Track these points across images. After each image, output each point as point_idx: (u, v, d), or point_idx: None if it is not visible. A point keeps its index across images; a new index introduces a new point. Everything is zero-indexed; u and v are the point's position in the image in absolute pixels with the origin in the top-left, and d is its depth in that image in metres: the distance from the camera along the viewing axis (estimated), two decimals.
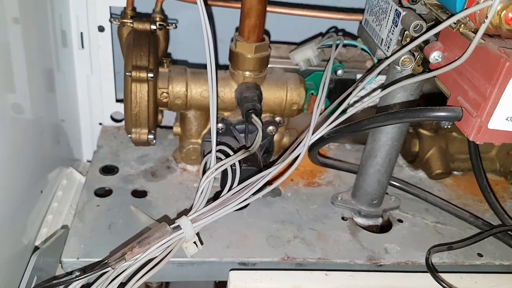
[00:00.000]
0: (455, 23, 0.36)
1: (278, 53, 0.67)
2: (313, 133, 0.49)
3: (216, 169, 0.49)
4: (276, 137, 0.65)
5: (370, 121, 0.45)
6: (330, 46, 0.61)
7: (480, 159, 0.54)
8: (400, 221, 0.61)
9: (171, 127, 0.66)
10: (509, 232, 0.56)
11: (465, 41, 0.37)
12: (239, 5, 0.56)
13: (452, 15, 0.36)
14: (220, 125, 0.60)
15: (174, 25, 0.62)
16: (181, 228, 0.45)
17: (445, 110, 0.38)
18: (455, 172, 0.70)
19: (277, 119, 0.64)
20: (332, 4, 0.65)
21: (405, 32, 0.43)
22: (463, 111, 0.38)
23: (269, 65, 0.64)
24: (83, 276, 0.43)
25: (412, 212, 0.63)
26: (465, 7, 0.35)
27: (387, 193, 0.63)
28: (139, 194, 0.60)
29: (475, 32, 0.35)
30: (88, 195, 0.58)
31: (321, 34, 0.66)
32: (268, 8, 0.60)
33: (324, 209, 0.62)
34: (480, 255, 0.56)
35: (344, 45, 0.62)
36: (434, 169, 0.67)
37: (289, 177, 0.66)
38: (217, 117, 0.61)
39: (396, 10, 0.43)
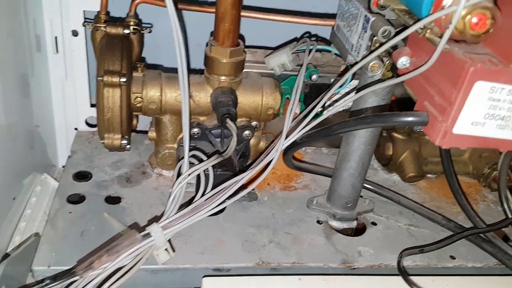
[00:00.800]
0: (421, 29, 0.37)
1: (254, 57, 0.67)
2: (286, 138, 0.50)
3: (188, 175, 0.48)
4: (252, 141, 0.65)
5: (340, 126, 0.45)
6: (305, 51, 0.62)
7: (451, 162, 0.55)
8: (374, 224, 0.62)
9: (147, 132, 0.66)
10: (481, 235, 0.57)
11: (431, 46, 0.37)
12: (214, 10, 0.56)
13: (419, 20, 0.37)
14: (195, 129, 0.60)
15: (148, 29, 0.61)
16: (151, 236, 0.44)
17: (412, 115, 0.39)
18: (428, 175, 0.71)
19: (253, 123, 0.64)
20: (307, 10, 0.66)
21: (374, 38, 0.44)
22: (429, 116, 0.38)
23: (245, 70, 0.64)
24: (53, 284, 0.42)
25: (386, 215, 0.64)
26: (431, 13, 0.36)
27: (361, 196, 0.64)
28: (113, 200, 0.59)
29: (441, 37, 0.35)
30: (60, 202, 0.57)
31: (296, 39, 0.67)
32: (243, 13, 0.61)
33: (300, 213, 0.62)
34: (452, 257, 0.57)
35: (319, 50, 0.63)
36: (408, 172, 0.68)
37: (265, 181, 0.67)
38: (192, 122, 0.61)
39: (366, 16, 0.44)
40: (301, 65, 0.60)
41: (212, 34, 0.58)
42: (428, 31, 0.37)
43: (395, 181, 0.71)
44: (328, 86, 0.64)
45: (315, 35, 0.69)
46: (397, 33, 0.42)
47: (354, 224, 0.62)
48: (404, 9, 0.41)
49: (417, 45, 0.41)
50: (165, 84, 0.59)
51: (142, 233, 0.44)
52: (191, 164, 0.53)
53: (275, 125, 0.69)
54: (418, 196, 0.68)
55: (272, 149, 0.49)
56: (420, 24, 0.36)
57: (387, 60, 0.44)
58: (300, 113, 0.65)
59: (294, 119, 0.62)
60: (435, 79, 0.38)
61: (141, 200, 0.60)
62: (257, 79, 0.63)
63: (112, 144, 0.57)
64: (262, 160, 0.49)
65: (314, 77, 0.64)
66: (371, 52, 0.43)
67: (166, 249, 0.46)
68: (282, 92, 0.63)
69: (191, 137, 0.60)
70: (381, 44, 0.43)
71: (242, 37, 0.71)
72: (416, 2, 0.37)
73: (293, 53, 0.62)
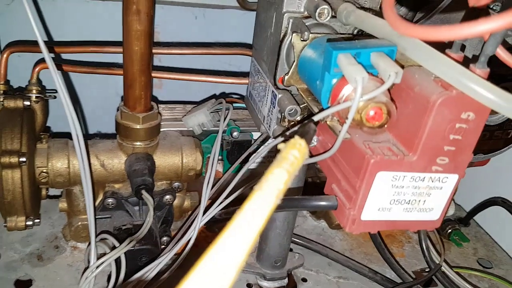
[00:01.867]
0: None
1: (173, 114, 0.64)
2: (204, 213, 0.48)
3: (97, 267, 0.45)
4: (176, 202, 0.62)
5: None
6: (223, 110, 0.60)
7: None
8: (304, 280, 0.61)
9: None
10: None
11: None
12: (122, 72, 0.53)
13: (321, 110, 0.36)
14: (110, 200, 0.56)
15: (53, 95, 0.57)
16: None
17: (322, 200, 0.38)
18: None
19: (175, 184, 0.61)
20: (223, 68, 0.65)
21: (283, 114, 0.43)
22: (338, 201, 0.38)
23: (163, 129, 0.61)
24: None
25: (316, 268, 0.63)
26: (329, 103, 0.35)
27: (291, 250, 0.63)
28: (22, 284, 0.54)
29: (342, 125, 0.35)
30: None
31: (215, 96, 0.65)
32: (155, 74, 0.58)
33: None
34: None
35: (237, 108, 0.61)
36: (334, 219, 0.68)
37: (194, 244, 0.64)
38: (106, 191, 0.58)
39: (273, 91, 0.43)
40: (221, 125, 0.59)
41: (122, 98, 0.55)
42: (329, 118, 0.36)
43: (323, 228, 0.71)
44: (250, 142, 0.63)
45: (232, 94, 0.68)
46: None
47: (285, 282, 0.61)
48: (307, 89, 0.41)
49: (323, 125, 0.40)
50: (73, 154, 0.55)
51: None
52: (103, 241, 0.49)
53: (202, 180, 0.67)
54: (346, 243, 0.68)
55: (188, 227, 0.47)
56: (317, 118, 0.35)
57: None
58: (225, 171, 0.64)
59: (218, 179, 0.60)
60: (341, 165, 0.37)
61: (53, 281, 0.55)
62: (176, 140, 0.61)
63: (15, 227, 0.52)
64: (179, 240, 0.47)
65: (235, 134, 0.62)
66: (286, 130, 0.42)
67: None
68: (203, 151, 0.61)
69: (106, 208, 0.57)
70: (289, 122, 0.42)
71: (155, 99, 0.69)
72: (316, 90, 0.37)
73: (211, 112, 0.61)
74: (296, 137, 0.29)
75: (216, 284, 0.21)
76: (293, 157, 0.29)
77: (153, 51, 0.53)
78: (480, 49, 0.32)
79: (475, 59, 0.32)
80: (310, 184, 0.69)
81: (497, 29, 0.25)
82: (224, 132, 0.62)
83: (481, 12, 0.33)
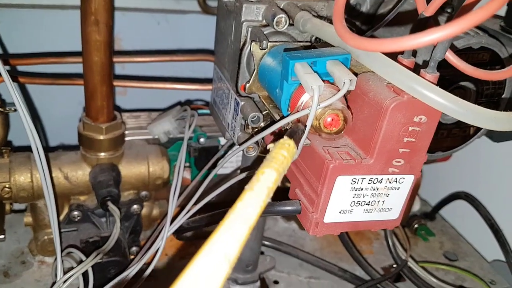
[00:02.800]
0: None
1: (138, 123, 0.64)
2: (172, 222, 0.48)
3: (64, 282, 0.44)
4: (145, 211, 0.62)
5: (224, 213, 0.44)
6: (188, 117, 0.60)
7: None
8: (276, 282, 0.62)
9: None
10: (378, 286, 0.59)
11: None
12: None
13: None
14: (75, 213, 0.55)
15: (13, 109, 0.56)
16: None
17: (286, 205, 0.39)
18: None
19: (143, 193, 0.61)
20: (187, 75, 0.65)
21: (246, 121, 0.43)
22: (301, 205, 0.38)
23: (128, 138, 0.61)
24: None
25: (287, 270, 0.64)
26: (289, 110, 0.36)
27: (262, 253, 0.63)
28: None
29: None
30: None
31: (180, 103, 0.65)
32: (118, 83, 0.58)
33: None
34: None
35: (202, 114, 0.61)
36: None
37: (163, 253, 0.64)
38: (71, 204, 0.57)
39: (236, 99, 0.43)
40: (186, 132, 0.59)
41: (84, 109, 0.55)
42: (290, 124, 0.37)
43: (294, 229, 0.72)
44: (217, 148, 0.63)
45: (197, 100, 0.68)
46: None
47: (257, 285, 0.62)
48: (268, 96, 0.41)
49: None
50: (35, 167, 0.54)
51: None
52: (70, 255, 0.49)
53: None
54: (316, 243, 0.70)
55: (157, 237, 0.47)
56: (276, 126, 0.36)
57: (261, 142, 0.44)
58: (193, 178, 0.64)
59: (186, 187, 0.60)
60: (303, 169, 0.38)
61: None
62: (141, 149, 0.60)
63: None
64: (148, 250, 0.47)
65: (202, 140, 0.62)
66: (250, 136, 0.42)
67: None
68: (170, 159, 0.61)
69: (72, 221, 0.56)
70: (253, 129, 0.42)
71: (118, 108, 0.68)
72: (276, 98, 0.37)
73: (177, 119, 0.61)
74: (285, 138, 0.30)
75: (211, 280, 0.21)
76: (282, 156, 0.30)
77: (115, 60, 0.53)
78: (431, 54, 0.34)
79: (425, 64, 0.34)
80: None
81: (441, 39, 0.26)
82: (190, 139, 0.62)
83: (429, 21, 0.34)
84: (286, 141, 0.31)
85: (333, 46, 0.36)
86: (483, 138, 0.53)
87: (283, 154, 0.30)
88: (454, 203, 0.75)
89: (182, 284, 0.21)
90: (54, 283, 0.45)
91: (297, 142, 0.33)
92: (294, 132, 0.35)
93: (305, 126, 0.34)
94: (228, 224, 0.25)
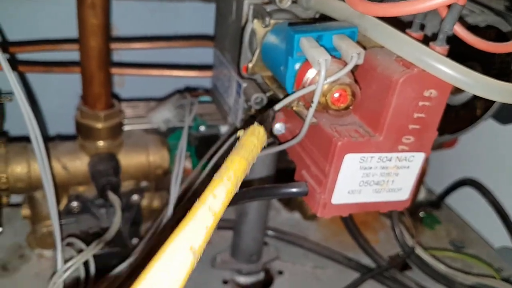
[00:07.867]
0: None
1: (136, 112, 0.63)
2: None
3: (64, 272, 0.43)
4: (145, 202, 0.61)
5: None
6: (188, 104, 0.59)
7: None
8: (280, 272, 0.61)
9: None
10: (384, 274, 0.58)
11: None
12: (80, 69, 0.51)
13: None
14: (74, 204, 0.54)
15: (9, 98, 0.54)
16: None
17: (292, 187, 0.38)
18: None
19: (143, 184, 0.59)
20: (185, 62, 0.63)
21: (249, 103, 0.42)
22: (308, 187, 0.37)
23: (127, 128, 0.59)
24: None
25: (292, 259, 0.63)
26: (294, 87, 0.35)
27: (266, 243, 0.62)
28: None
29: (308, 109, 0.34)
30: None
31: (179, 91, 0.64)
32: (115, 70, 0.56)
33: (204, 275, 0.58)
34: None
35: (202, 102, 0.60)
36: (308, 210, 0.68)
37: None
38: (70, 195, 0.55)
39: (238, 81, 0.42)
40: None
41: (82, 97, 0.53)
42: (296, 103, 0.35)
43: (297, 219, 0.71)
44: (217, 137, 0.62)
45: (196, 88, 0.67)
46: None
47: (261, 276, 0.61)
48: (272, 76, 0.40)
49: (289, 112, 0.40)
50: (32, 157, 0.52)
51: None
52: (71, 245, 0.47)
53: None
54: (320, 233, 0.68)
55: (157, 227, 0.46)
56: (282, 104, 0.34)
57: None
58: (194, 166, 0.62)
59: (186, 175, 0.59)
60: (310, 150, 0.37)
61: None
62: (140, 138, 0.59)
63: None
64: (149, 240, 0.45)
65: (202, 128, 0.61)
66: (251, 117, 0.41)
67: None
68: (170, 148, 0.60)
69: (71, 212, 0.55)
70: (256, 110, 0.41)
71: (116, 96, 0.67)
72: (280, 76, 0.36)
73: (176, 107, 0.59)
74: (255, 124, 0.29)
75: (176, 270, 0.22)
76: (252, 144, 0.29)
77: (112, 46, 0.51)
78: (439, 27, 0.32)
79: (435, 37, 0.33)
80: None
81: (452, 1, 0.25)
82: (191, 127, 0.60)
83: None
84: (256, 128, 0.30)
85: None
86: (488, 123, 0.52)
87: (253, 141, 0.29)
88: (458, 190, 0.74)
89: (149, 276, 0.22)
90: (54, 273, 0.43)
91: (267, 128, 0.32)
92: (264, 119, 0.33)
93: (311, 104, 0.33)
94: (194, 214, 0.24)
